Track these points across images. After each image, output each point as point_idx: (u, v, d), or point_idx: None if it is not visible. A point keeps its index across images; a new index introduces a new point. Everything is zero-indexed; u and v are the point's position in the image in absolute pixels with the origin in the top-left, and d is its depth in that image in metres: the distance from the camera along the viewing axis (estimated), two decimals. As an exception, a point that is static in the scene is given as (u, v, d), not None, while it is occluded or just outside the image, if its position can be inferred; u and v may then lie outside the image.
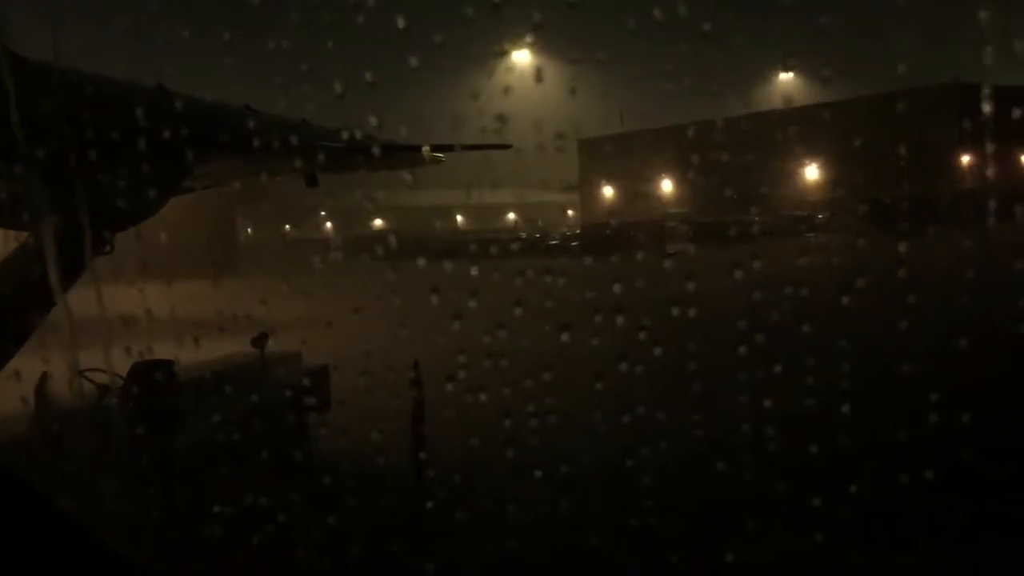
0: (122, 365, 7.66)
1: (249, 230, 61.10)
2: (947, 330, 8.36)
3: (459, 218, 70.86)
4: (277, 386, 9.08)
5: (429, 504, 6.41)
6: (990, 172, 42.77)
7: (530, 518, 7.04)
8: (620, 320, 6.50)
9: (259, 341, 9.09)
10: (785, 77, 54.42)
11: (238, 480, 6.31)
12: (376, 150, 8.51)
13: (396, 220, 57.61)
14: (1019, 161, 45.89)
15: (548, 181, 63.70)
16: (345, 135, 7.71)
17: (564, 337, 7.03)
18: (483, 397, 6.69)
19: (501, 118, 5.81)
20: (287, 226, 68.85)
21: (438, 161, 9.75)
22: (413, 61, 5.82)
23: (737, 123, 48.34)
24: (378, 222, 64.01)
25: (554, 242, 41.52)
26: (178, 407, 7.57)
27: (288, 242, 57.27)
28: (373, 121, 5.81)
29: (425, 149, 8.62)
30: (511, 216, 71.46)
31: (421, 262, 7.57)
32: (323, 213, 64.11)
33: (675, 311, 6.50)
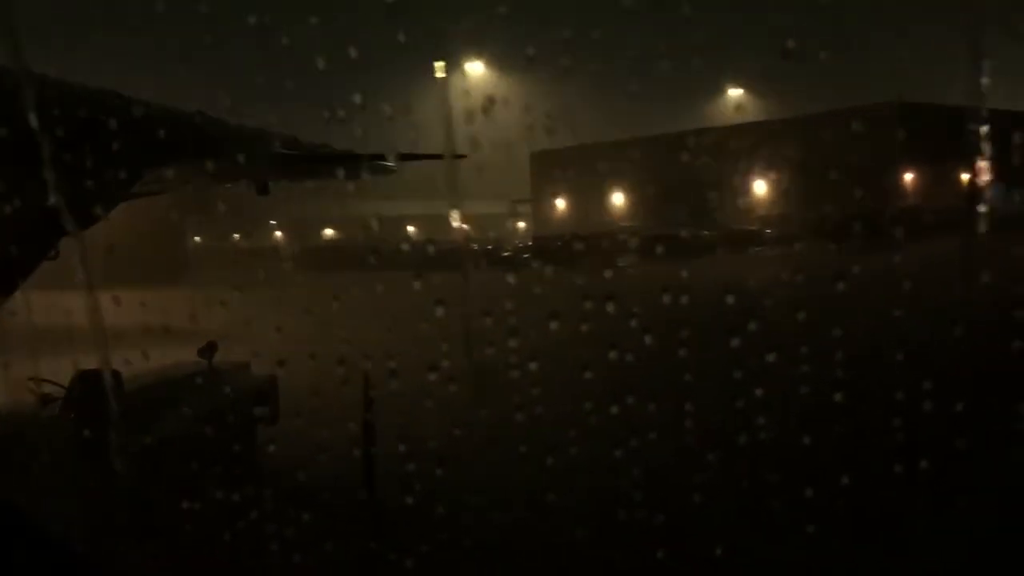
0: (65, 374, 7.51)
1: (197, 238, 60.05)
2: (891, 337, 8.56)
3: (410, 228, 70.57)
4: (225, 396, 8.95)
5: (410, 500, 6.27)
6: (931, 188, 43.96)
7: (515, 512, 7.00)
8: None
9: (206, 351, 8.96)
10: (735, 93, 55.26)
11: (183, 489, 6.21)
12: (328, 159, 8.44)
13: (347, 230, 57.20)
14: (958, 178, 47.18)
15: (500, 193, 63.84)
16: (287, 143, 7.62)
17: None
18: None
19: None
20: (236, 235, 67.77)
21: (390, 171, 9.73)
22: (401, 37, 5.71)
23: (687, 137, 49.04)
24: (329, 232, 63.42)
25: (507, 254, 41.66)
26: (122, 416, 7.42)
27: (237, 251, 56.48)
28: (357, 99, 5.71)
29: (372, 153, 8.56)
30: (464, 227, 71.34)
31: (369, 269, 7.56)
32: (273, 222, 63.31)
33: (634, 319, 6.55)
